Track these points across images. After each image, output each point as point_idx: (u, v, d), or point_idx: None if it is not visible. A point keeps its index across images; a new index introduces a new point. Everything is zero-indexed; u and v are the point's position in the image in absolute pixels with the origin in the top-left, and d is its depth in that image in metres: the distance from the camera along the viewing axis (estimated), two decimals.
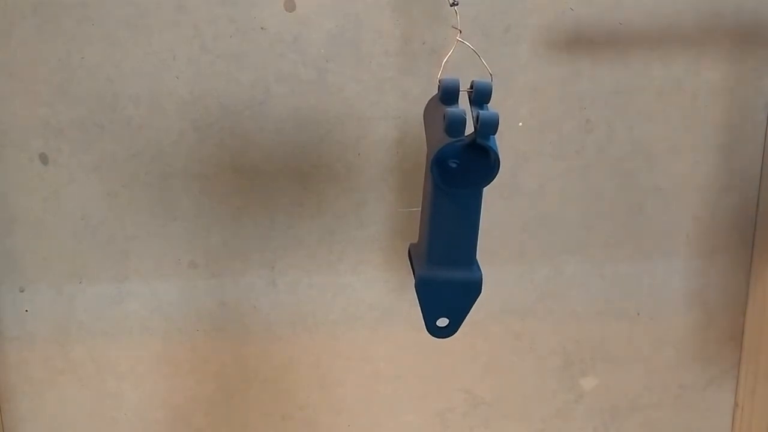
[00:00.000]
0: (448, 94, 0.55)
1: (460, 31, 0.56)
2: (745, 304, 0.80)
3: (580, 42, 0.70)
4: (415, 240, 0.62)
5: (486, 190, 0.55)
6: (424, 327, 0.59)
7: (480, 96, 0.55)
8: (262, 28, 0.66)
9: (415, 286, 0.57)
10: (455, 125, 0.50)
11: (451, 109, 0.51)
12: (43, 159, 0.67)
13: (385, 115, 0.69)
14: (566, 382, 0.80)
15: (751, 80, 0.73)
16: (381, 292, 0.75)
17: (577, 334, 0.79)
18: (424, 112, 0.60)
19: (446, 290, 0.57)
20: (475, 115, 0.51)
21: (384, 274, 0.74)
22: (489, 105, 0.55)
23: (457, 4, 0.56)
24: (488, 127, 0.50)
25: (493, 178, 0.53)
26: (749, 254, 0.78)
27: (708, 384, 0.82)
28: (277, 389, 0.76)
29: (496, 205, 0.73)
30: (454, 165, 0.52)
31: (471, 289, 0.57)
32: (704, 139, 0.74)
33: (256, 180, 0.70)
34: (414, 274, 0.63)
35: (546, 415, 0.81)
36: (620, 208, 0.75)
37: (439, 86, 0.56)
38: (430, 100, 0.59)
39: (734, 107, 0.74)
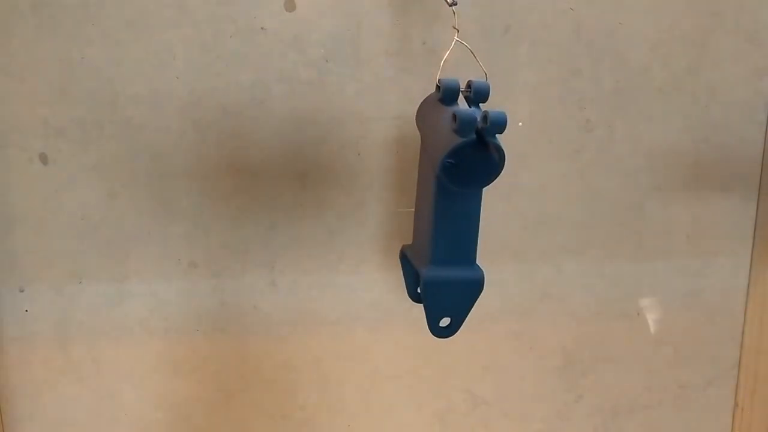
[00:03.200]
0: (450, 94, 0.55)
1: (458, 31, 0.56)
2: (745, 304, 0.80)
3: (580, 42, 0.70)
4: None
5: (486, 190, 0.55)
6: (425, 327, 0.59)
7: (479, 96, 0.55)
8: (262, 28, 0.66)
9: (422, 288, 0.57)
10: (467, 125, 0.51)
11: (462, 110, 0.51)
12: (43, 159, 0.67)
13: (385, 115, 0.69)
14: (566, 382, 0.80)
15: (751, 80, 0.73)
16: (381, 292, 0.74)
17: (577, 334, 0.79)
18: (418, 113, 0.60)
19: (451, 290, 0.57)
20: (481, 114, 0.51)
21: (384, 274, 0.74)
22: (485, 104, 0.55)
23: (455, 4, 0.56)
24: (498, 125, 0.50)
25: (498, 176, 0.53)
26: (749, 254, 0.78)
27: (708, 384, 0.82)
28: (277, 389, 0.76)
29: (496, 205, 0.73)
30: (448, 163, 0.52)
31: (474, 288, 0.57)
32: (704, 139, 0.74)
33: (256, 180, 0.70)
34: (405, 276, 0.63)
35: (546, 415, 0.81)
36: (620, 208, 0.75)
37: (438, 86, 0.56)
38: (424, 101, 0.59)
39: (734, 107, 0.74)
